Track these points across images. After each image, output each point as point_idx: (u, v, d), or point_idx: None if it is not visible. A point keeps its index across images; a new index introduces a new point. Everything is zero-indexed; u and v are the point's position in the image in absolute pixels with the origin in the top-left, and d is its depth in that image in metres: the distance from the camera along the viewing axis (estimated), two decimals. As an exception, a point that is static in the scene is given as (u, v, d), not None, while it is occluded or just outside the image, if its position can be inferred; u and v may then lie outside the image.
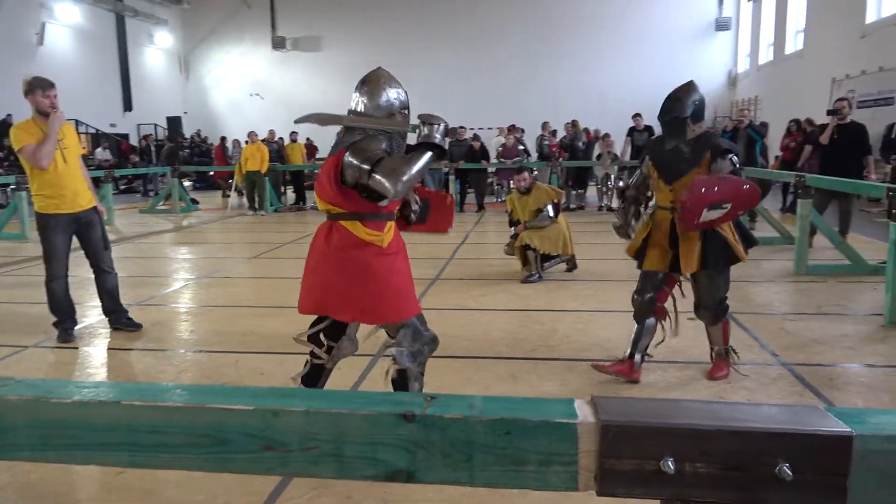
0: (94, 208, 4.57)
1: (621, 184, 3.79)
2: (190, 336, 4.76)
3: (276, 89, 24.31)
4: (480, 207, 12.95)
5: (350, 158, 2.56)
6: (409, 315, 2.78)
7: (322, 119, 2.71)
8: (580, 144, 13.01)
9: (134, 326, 4.87)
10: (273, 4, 24.23)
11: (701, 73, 22.19)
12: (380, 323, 2.79)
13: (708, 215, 3.19)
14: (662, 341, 3.72)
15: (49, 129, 4.24)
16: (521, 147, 13.59)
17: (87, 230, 4.54)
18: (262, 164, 12.81)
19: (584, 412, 0.88)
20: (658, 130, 3.80)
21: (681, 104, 3.40)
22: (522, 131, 15.08)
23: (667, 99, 3.47)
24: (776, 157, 13.27)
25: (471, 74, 22.97)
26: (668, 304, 3.70)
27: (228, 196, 15.51)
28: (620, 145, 13.17)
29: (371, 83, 2.72)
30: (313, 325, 2.90)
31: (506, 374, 3.76)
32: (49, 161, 4.25)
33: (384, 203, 2.66)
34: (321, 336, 2.88)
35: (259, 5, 23.92)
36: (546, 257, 6.29)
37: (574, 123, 13.51)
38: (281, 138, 15.82)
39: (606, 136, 12.70)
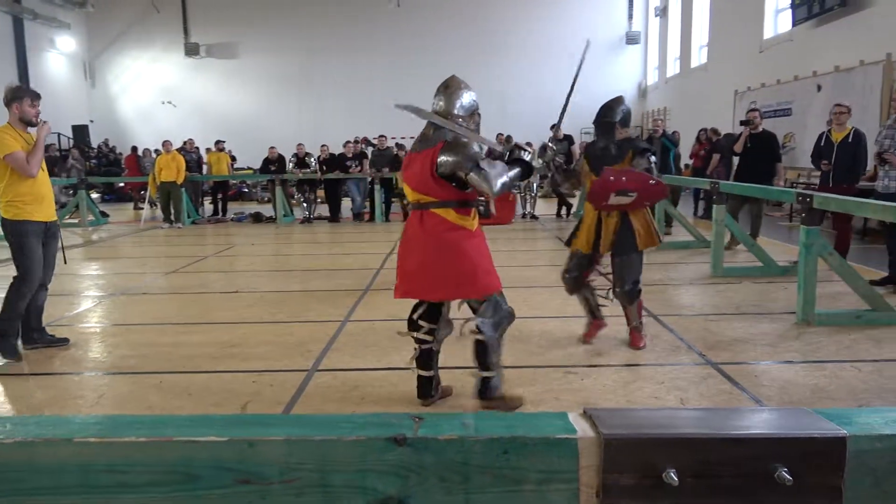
0: (56, 221, 4.56)
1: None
2: (107, 357, 4.46)
3: (189, 97, 23.45)
4: (407, 216, 12.91)
5: (449, 156, 3.06)
6: (493, 290, 3.18)
7: (423, 115, 3.16)
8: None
9: (61, 342, 4.67)
10: (185, 10, 23.40)
11: (613, 84, 23.00)
12: (468, 298, 3.21)
13: (616, 199, 3.95)
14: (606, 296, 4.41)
15: (38, 139, 4.30)
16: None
17: (52, 241, 4.50)
18: (178, 174, 12.29)
19: (582, 427, 0.85)
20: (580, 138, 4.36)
21: (612, 111, 4.23)
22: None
23: (601, 107, 4.28)
24: (686, 166, 13.91)
25: (389, 82, 22.91)
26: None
27: (141, 208, 14.80)
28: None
29: (452, 87, 3.23)
30: (412, 312, 3.37)
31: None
32: (38, 170, 4.29)
33: (469, 190, 3.13)
34: (420, 322, 3.34)
35: (170, 10, 23.04)
36: None
37: (508, 139, 13.72)
38: (197, 147, 15.21)
39: (529, 144, 12.96)
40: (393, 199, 14.27)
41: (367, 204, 13.33)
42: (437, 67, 23.14)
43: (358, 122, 21.49)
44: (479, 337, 3.17)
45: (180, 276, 7.47)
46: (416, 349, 3.38)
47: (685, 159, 13.89)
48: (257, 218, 13.38)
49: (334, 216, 13.03)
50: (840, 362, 3.97)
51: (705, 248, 7.63)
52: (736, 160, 8.55)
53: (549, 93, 21.65)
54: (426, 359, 3.38)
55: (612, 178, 3.90)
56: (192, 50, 23.26)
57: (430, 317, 3.36)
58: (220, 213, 13.92)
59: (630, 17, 22.78)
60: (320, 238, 10.93)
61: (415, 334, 3.37)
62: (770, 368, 3.90)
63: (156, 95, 23.49)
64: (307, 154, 13.23)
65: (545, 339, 4.57)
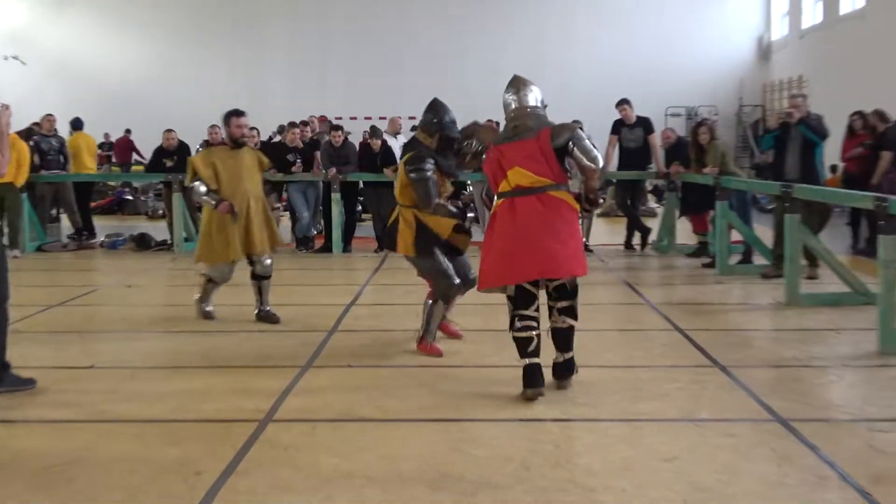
0: None
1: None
2: None
3: (46, 51, 23.57)
4: (381, 243, 12.71)
5: (568, 136, 5.25)
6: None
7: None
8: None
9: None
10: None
11: (720, 42, 23.05)
12: (578, 275, 5.19)
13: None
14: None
15: (1, 127, 5.06)
16: (447, 148, 13.47)
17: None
18: (18, 171, 12.09)
19: None
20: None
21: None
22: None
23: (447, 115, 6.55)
24: (833, 168, 13.69)
25: (352, 50, 22.99)
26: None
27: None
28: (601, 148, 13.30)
29: (526, 83, 5.57)
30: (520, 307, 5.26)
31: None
32: (7, 167, 5.18)
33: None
34: (559, 304, 5.27)
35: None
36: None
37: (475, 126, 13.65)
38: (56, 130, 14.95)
39: (577, 123, 12.80)
40: (363, 219, 14.11)
41: (320, 223, 13.13)
42: (440, 26, 23.28)
43: (310, 99, 21.48)
44: (572, 322, 5.24)
45: None
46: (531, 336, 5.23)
47: (833, 158, 13.70)
48: (142, 243, 13.22)
49: (267, 242, 12.84)
50: None
51: (869, 306, 7.39)
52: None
53: (621, 57, 21.70)
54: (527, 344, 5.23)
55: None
56: (52, -19, 23.48)
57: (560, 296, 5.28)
58: (86, 234, 13.71)
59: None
60: (241, 278, 10.71)
61: (522, 334, 5.23)
62: None
63: (-7, 47, 23.65)
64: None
65: (603, 455, 4.31)
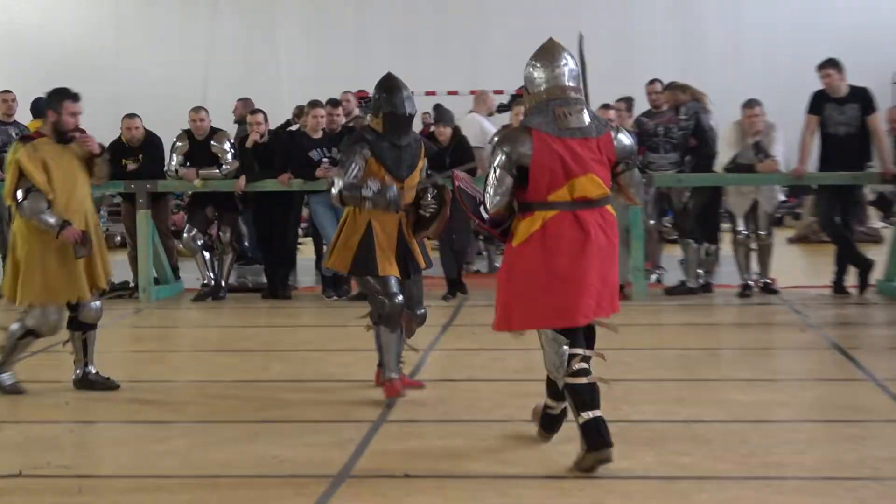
0: None
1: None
2: None
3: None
4: (454, 287, 12.70)
5: (631, 149, 6.19)
6: None
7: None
8: (710, 123, 12.91)
9: None
10: None
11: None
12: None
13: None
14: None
15: None
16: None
17: None
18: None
19: None
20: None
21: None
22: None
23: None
24: None
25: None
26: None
27: None
28: (790, 134, 13.15)
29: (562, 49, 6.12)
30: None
31: None
32: None
33: None
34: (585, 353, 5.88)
35: None
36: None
37: (686, 89, 13.42)
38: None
39: (752, 104, 12.64)
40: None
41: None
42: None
43: (341, 67, 21.53)
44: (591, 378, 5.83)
45: None
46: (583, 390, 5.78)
47: None
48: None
49: (277, 284, 13.10)
50: None
51: None
52: None
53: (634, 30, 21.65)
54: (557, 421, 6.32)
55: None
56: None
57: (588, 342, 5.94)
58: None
59: None
60: (236, 340, 10.84)
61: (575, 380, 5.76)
62: None
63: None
64: (215, 132, 13.26)
65: None
